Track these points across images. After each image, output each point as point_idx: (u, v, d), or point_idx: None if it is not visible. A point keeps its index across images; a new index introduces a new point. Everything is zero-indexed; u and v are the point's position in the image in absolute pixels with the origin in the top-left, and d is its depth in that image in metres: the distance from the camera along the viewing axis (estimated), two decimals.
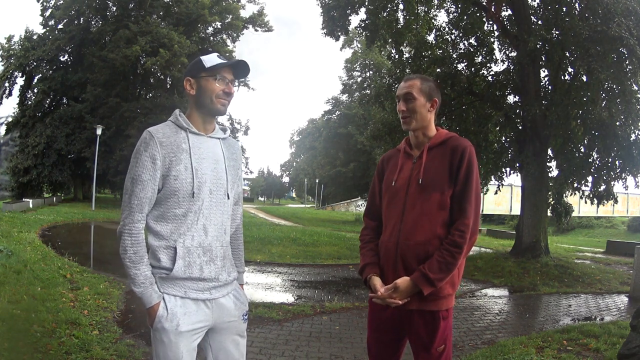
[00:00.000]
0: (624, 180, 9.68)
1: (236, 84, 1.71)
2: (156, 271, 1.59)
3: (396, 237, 1.77)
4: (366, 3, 10.91)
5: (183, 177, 1.57)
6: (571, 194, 10.92)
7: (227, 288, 1.70)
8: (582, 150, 9.90)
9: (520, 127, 10.13)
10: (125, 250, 1.55)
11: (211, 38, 29.16)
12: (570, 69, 9.52)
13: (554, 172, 10.61)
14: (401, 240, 1.75)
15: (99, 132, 21.79)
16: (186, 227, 1.58)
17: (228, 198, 1.68)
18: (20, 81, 27.34)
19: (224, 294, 1.68)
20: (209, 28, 28.68)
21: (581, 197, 10.81)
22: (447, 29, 11.25)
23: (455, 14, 11.08)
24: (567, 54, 8.74)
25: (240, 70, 1.69)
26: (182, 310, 1.57)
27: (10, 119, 27.80)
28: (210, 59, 1.63)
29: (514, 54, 10.22)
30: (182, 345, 1.55)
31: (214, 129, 1.72)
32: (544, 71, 10.00)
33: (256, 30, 29.50)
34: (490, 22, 10.55)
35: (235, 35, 29.42)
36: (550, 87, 9.85)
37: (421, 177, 1.76)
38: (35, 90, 26.81)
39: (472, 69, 10.69)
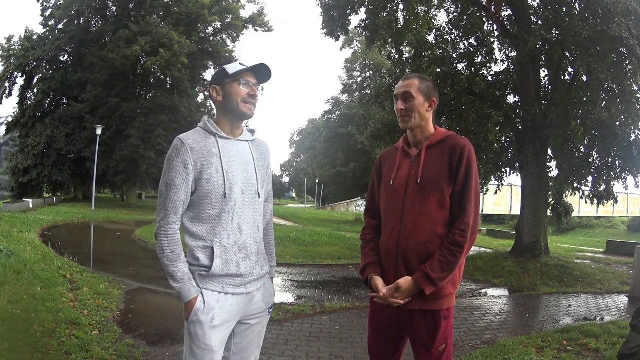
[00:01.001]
0: (624, 180, 9.67)
1: (260, 88, 1.78)
2: (195, 269, 1.66)
3: (396, 237, 1.76)
4: (366, 3, 10.90)
5: (215, 179, 1.65)
6: (571, 194, 10.91)
7: (260, 282, 1.79)
8: (582, 150, 9.89)
9: (520, 127, 10.13)
10: (162, 250, 1.64)
11: (211, 38, 29.14)
12: (570, 69, 9.50)
13: (554, 172, 10.61)
14: (401, 240, 1.75)
15: (99, 132, 21.78)
16: (222, 227, 1.66)
17: (259, 197, 1.77)
18: (20, 81, 27.39)
19: (257, 287, 1.77)
20: (209, 28, 28.65)
21: (581, 197, 10.80)
22: (447, 29, 11.25)
23: (455, 14, 11.08)
24: (567, 54, 8.73)
25: (262, 73, 1.76)
26: (218, 305, 1.65)
27: (10, 119, 27.82)
28: (233, 66, 1.72)
29: (514, 54, 10.22)
30: (214, 338, 1.63)
31: (242, 132, 1.79)
32: (544, 71, 10.00)
33: (256, 30, 29.50)
34: (490, 22, 10.55)
35: (235, 35, 29.40)
36: (550, 87, 9.84)
37: (420, 176, 1.76)
38: (35, 90, 26.81)
39: (472, 69, 10.69)
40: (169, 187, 1.63)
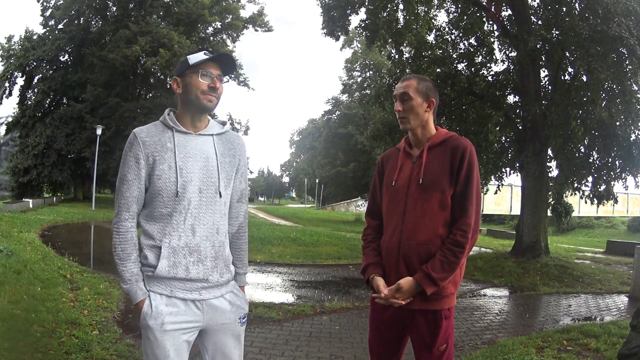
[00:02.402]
0: (624, 180, 9.68)
1: (225, 79, 1.68)
2: (144, 269, 1.59)
3: (398, 237, 1.77)
4: (366, 3, 10.91)
5: (167, 176, 1.56)
6: (571, 194, 10.92)
7: (220, 289, 1.65)
8: (582, 150, 9.90)
9: (520, 127, 10.13)
10: (114, 247, 1.58)
11: (211, 38, 29.16)
12: (570, 69, 9.52)
13: (554, 172, 10.63)
14: (403, 240, 1.75)
15: (99, 132, 21.79)
16: (172, 227, 1.56)
17: (220, 197, 1.63)
18: (20, 81, 27.36)
19: (216, 295, 1.64)
20: (209, 28, 28.69)
21: (581, 197, 10.81)
22: (447, 29, 11.25)
23: (455, 14, 11.09)
24: (567, 54, 8.74)
25: (226, 64, 1.65)
26: (167, 310, 1.55)
27: (10, 119, 27.81)
28: (196, 56, 1.60)
29: (514, 54, 10.22)
30: (168, 343, 1.54)
31: (207, 125, 1.68)
32: (544, 71, 10.01)
33: (256, 30, 29.55)
34: (490, 22, 10.55)
35: (235, 35, 29.44)
36: (550, 87, 9.85)
37: (421, 177, 1.76)
38: (35, 90, 26.78)
39: (472, 69, 10.69)
40: (121, 183, 1.57)
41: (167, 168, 1.56)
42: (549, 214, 10.91)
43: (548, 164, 10.20)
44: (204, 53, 1.62)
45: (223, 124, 1.74)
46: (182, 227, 1.57)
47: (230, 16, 28.10)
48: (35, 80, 27.13)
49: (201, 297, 1.60)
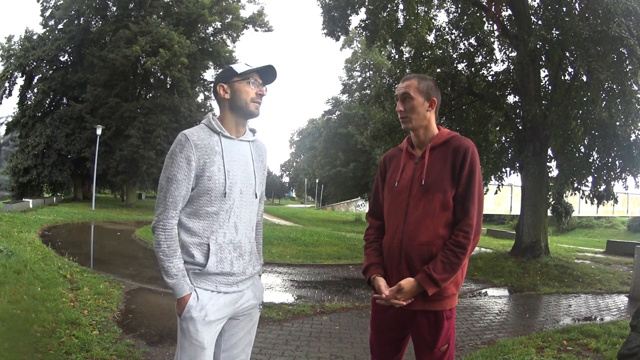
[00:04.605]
0: (624, 180, 9.67)
1: (265, 89, 1.82)
2: (189, 267, 1.68)
3: (399, 237, 1.76)
4: (366, 3, 10.91)
5: (216, 177, 1.66)
6: (571, 194, 10.91)
7: (251, 280, 1.81)
8: (582, 150, 9.88)
9: (520, 127, 10.13)
10: (159, 244, 1.64)
11: (211, 38, 29.14)
12: (570, 69, 9.51)
13: (554, 172, 10.62)
14: (404, 241, 1.75)
15: (99, 132, 21.81)
16: (218, 225, 1.68)
17: (256, 197, 1.80)
18: (20, 81, 27.35)
19: (248, 285, 1.80)
20: (209, 28, 28.65)
21: (581, 197, 10.81)
22: (447, 29, 11.25)
23: (455, 14, 11.08)
24: (567, 54, 8.73)
25: (268, 75, 1.79)
26: (210, 302, 1.66)
27: (10, 119, 27.80)
28: (240, 66, 1.75)
29: (514, 54, 10.22)
30: (206, 335, 1.65)
31: (245, 132, 1.82)
32: (544, 71, 10.01)
33: (256, 30, 29.51)
34: (490, 22, 10.56)
35: (235, 35, 29.40)
36: (550, 87, 9.85)
37: (424, 178, 1.76)
38: (35, 90, 26.78)
39: (472, 69, 10.69)
40: (170, 182, 1.64)
41: (216, 170, 1.67)
42: (549, 214, 10.91)
43: (548, 164, 10.20)
44: (246, 64, 1.76)
45: (253, 132, 1.88)
46: (227, 225, 1.70)
47: (230, 16, 28.06)
48: (35, 80, 27.12)
49: (239, 289, 1.75)
